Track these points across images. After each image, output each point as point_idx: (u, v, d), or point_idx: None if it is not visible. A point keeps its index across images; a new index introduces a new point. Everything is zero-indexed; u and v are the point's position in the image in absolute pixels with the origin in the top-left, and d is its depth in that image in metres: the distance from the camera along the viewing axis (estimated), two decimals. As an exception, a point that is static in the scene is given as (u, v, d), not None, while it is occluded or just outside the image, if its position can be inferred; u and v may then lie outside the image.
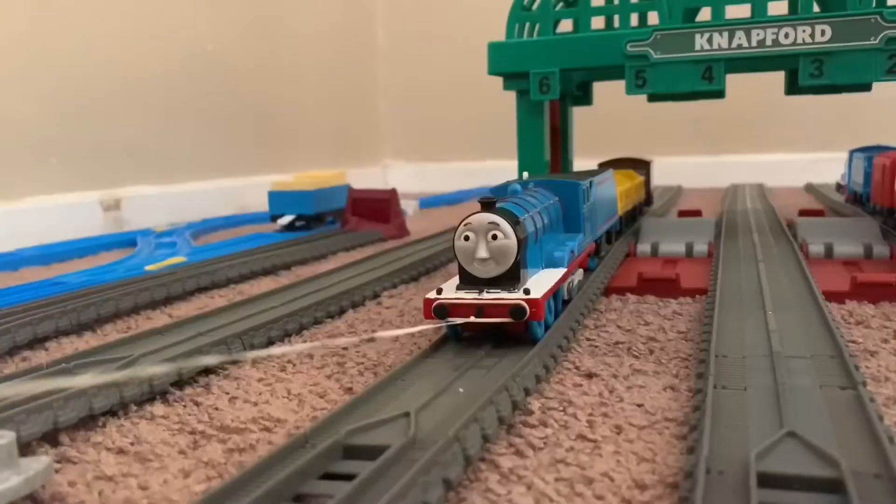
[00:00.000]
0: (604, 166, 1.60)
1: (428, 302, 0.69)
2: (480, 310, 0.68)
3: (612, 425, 0.55)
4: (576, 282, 0.86)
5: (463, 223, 0.70)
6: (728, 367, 0.62)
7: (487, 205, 0.70)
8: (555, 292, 0.75)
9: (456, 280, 0.72)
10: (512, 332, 0.71)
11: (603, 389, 0.63)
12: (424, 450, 0.47)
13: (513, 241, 0.69)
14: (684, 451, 0.50)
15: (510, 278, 0.69)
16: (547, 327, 0.73)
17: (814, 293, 0.86)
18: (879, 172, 1.40)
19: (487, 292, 0.69)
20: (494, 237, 0.69)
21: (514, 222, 0.70)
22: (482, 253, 0.69)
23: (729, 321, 0.76)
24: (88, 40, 1.82)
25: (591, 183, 0.97)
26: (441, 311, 0.69)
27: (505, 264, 0.69)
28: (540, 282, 0.73)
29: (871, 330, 0.79)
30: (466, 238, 0.70)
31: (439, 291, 0.70)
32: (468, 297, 0.69)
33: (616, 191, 1.23)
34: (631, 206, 1.45)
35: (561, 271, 0.78)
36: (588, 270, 0.99)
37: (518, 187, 0.84)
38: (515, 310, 0.66)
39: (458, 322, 0.69)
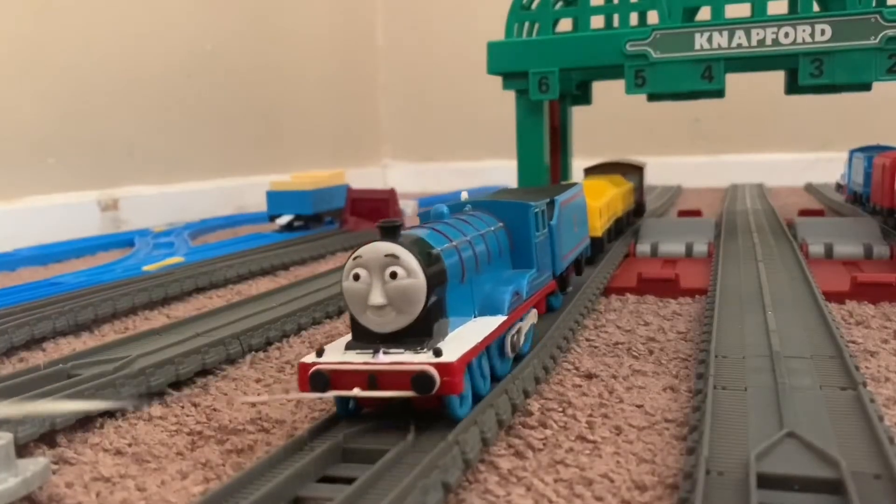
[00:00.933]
0: (591, 171, 1.54)
1: (303, 368, 0.51)
2: (373, 378, 0.49)
3: (611, 426, 0.55)
4: (525, 331, 0.66)
5: (352, 256, 0.53)
6: (728, 367, 0.62)
7: (387, 230, 0.52)
8: (485, 349, 0.57)
9: (349, 336, 0.55)
10: (423, 408, 0.53)
11: (602, 390, 0.63)
12: (424, 453, 0.46)
13: (419, 281, 0.51)
14: (684, 452, 0.50)
15: (418, 333, 0.52)
16: (479, 398, 0.55)
17: (814, 293, 0.86)
18: (879, 172, 1.40)
19: (385, 353, 0.51)
20: (393, 275, 0.51)
21: (424, 254, 0.53)
22: (376, 298, 0.51)
23: (729, 321, 0.75)
24: (88, 40, 1.82)
25: (552, 202, 0.81)
26: (319, 380, 0.50)
27: (409, 313, 0.51)
28: (463, 337, 0.55)
29: (871, 330, 0.79)
30: (356, 277, 0.52)
31: (320, 352, 0.52)
32: (357, 360, 0.51)
33: (587, 209, 1.01)
34: (613, 219, 1.27)
35: (499, 320, 0.60)
36: (551, 310, 0.82)
37: (444, 209, 0.66)
38: (419, 379, 0.48)
39: (344, 395, 0.51)
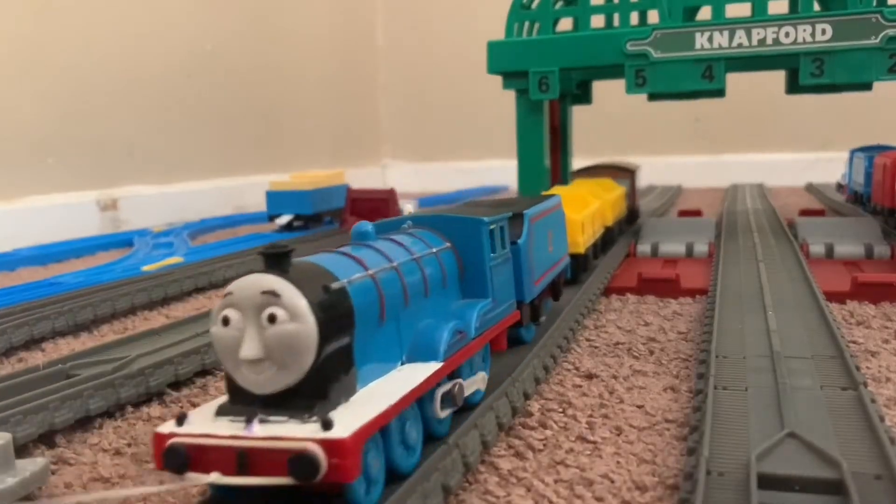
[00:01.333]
0: (579, 174, 1.48)
1: (158, 440, 0.39)
2: (243, 457, 0.37)
3: (612, 427, 0.55)
4: (467, 381, 0.52)
5: (224, 293, 0.41)
6: (728, 367, 0.62)
7: (271, 258, 0.41)
8: (415, 405, 0.46)
9: (224, 398, 0.42)
10: (317, 491, 0.40)
11: (603, 390, 0.62)
12: (423, 456, 0.46)
13: (306, 327, 0.39)
14: (685, 453, 0.50)
15: (308, 394, 0.39)
16: (402, 474, 0.43)
17: (814, 293, 0.86)
18: (880, 172, 1.40)
19: (261, 422, 0.39)
20: (272, 319, 0.39)
21: (318, 290, 0.41)
22: (250, 350, 0.39)
23: (729, 321, 0.75)
24: (88, 40, 1.82)
25: (518, 217, 0.68)
26: (176, 458, 0.38)
27: (295, 369, 0.39)
28: (375, 395, 0.42)
29: (872, 330, 0.79)
30: (226, 321, 0.40)
31: (181, 420, 0.40)
32: (225, 432, 0.38)
33: (566, 223, 0.88)
34: (601, 231, 1.13)
35: (432, 367, 0.47)
36: (521, 343, 0.69)
37: (368, 227, 0.53)
38: (297, 461, 0.36)
39: (208, 480, 0.38)
